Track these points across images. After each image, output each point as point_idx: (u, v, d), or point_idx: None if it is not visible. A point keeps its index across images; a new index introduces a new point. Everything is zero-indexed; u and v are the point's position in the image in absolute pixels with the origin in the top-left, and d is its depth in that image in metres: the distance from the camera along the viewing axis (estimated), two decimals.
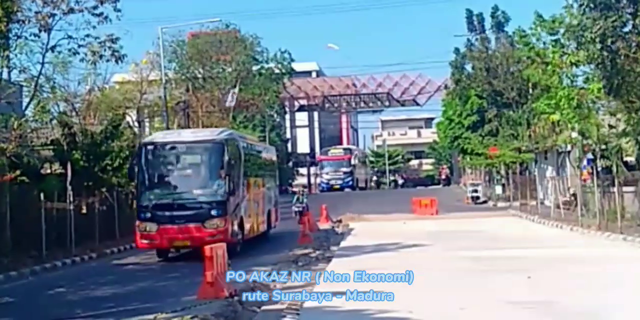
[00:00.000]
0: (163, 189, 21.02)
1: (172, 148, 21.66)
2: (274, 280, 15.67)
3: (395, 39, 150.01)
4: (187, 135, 23.23)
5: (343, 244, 23.74)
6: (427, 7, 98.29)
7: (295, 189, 35.38)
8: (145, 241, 20.90)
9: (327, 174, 61.82)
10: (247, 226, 22.58)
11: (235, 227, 21.20)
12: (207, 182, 20.91)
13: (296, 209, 33.88)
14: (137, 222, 20.91)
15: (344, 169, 61.28)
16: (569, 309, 11.41)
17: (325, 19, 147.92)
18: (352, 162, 62.02)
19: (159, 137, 23.25)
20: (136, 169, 21.25)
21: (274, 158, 30.06)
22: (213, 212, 20.49)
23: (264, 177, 26.65)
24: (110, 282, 16.64)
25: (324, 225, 30.85)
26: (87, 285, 16.24)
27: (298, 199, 34.70)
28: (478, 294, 13.01)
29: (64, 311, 12.88)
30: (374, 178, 63.03)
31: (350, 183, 60.23)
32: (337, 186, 59.39)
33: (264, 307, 12.42)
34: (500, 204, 41.40)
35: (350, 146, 72.71)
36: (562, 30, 25.57)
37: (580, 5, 22.64)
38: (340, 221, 32.90)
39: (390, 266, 17.27)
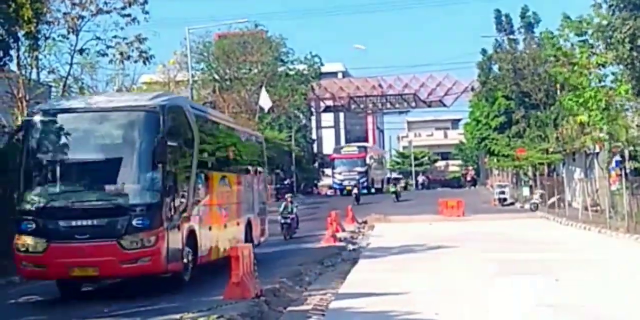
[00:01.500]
0: (57, 185, 14.12)
1: (74, 119, 14.35)
2: (300, 280, 15.72)
3: (422, 40, 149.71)
4: (103, 100, 15.39)
5: (369, 245, 23.74)
6: (454, 8, 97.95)
7: (288, 197, 29.34)
8: (27, 267, 13.89)
9: (339, 174, 56.24)
10: (203, 243, 15.74)
11: (178, 245, 14.31)
12: (129, 174, 13.88)
13: (283, 221, 27.45)
14: (16, 237, 13.88)
15: (358, 169, 55.63)
16: (596, 313, 11.32)
17: (351, 19, 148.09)
18: (367, 161, 56.91)
19: (57, 103, 15.77)
20: (18, 155, 14.42)
21: (261, 147, 22.83)
22: (137, 222, 13.50)
23: (241, 172, 19.63)
24: (137, 281, 16.72)
25: (349, 226, 30.82)
26: (114, 284, 16.34)
27: (286, 207, 27.90)
28: (505, 296, 12.94)
29: (91, 310, 12.97)
30: (354, 191, 46.26)
31: (365, 184, 54.75)
32: (350, 187, 52.32)
33: (290, 308, 12.44)
34: (527, 206, 41.10)
35: (365, 144, 66.54)
36: (590, 31, 25.38)
37: (610, 6, 22.46)
38: (365, 222, 32.86)
39: (416, 268, 17.28)
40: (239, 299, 12.69)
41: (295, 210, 28.16)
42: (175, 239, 14.22)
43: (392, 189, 47.74)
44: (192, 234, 15.08)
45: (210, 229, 16.37)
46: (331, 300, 12.84)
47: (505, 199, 42.87)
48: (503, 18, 48.26)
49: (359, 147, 60.08)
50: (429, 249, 21.21)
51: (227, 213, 17.96)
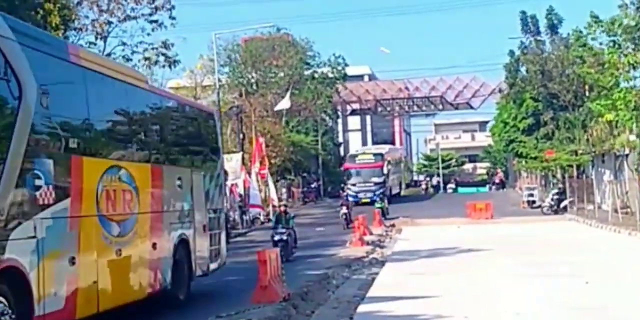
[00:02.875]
0: None
1: None
2: (328, 284, 15.69)
3: (448, 42, 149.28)
4: None
5: (397, 248, 23.66)
6: (480, 10, 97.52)
7: (282, 208, 23.13)
8: None
9: (354, 185, 49.59)
10: (51, 290, 9.12)
11: None
12: None
13: (276, 238, 21.18)
14: None
15: (375, 180, 49.45)
16: (626, 316, 11.19)
17: (377, 22, 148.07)
18: (385, 170, 50.73)
19: None
20: None
21: (211, 126, 16.32)
22: None
23: (164, 161, 13.18)
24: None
25: (377, 229, 30.74)
26: None
27: (279, 219, 22.01)
28: (534, 299, 12.84)
29: (117, 312, 13.02)
30: (343, 210, 33.36)
31: (382, 195, 46.00)
32: (367, 199, 47.22)
33: (317, 311, 12.42)
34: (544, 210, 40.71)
35: (381, 149, 57.48)
36: (619, 31, 25.21)
37: (637, 8, 22.27)
38: (393, 226, 32.74)
39: (445, 271, 17.19)
40: (266, 302, 12.70)
41: (292, 223, 22.10)
42: None
43: (377, 205, 36.81)
44: (13, 276, 8.54)
45: (73, 261, 9.67)
46: (359, 304, 12.80)
47: (534, 202, 42.55)
48: (529, 19, 47.97)
49: (375, 154, 53.00)
50: (457, 252, 21.10)
51: (126, 230, 11.33)
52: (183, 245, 13.43)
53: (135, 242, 11.60)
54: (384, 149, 57.81)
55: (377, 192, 47.01)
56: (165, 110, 13.77)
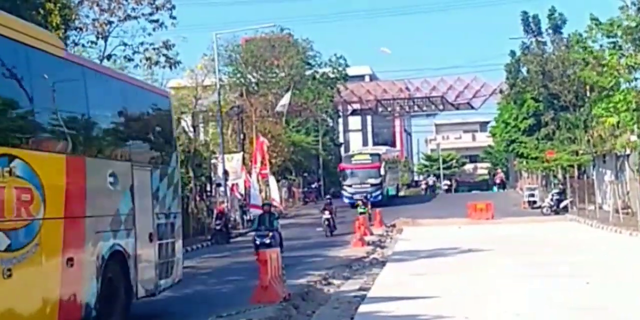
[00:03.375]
0: None
1: None
2: (328, 284, 15.69)
3: (449, 42, 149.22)
4: None
5: (397, 248, 23.65)
6: (482, 10, 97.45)
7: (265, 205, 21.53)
8: None
9: (350, 186, 47.36)
10: None
11: None
12: None
13: (258, 241, 19.67)
14: None
15: (372, 181, 47.36)
16: (626, 316, 11.18)
17: (378, 22, 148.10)
18: (382, 171, 48.66)
19: None
20: None
21: (164, 114, 13.51)
22: None
23: (87, 152, 10.38)
24: None
25: (377, 230, 30.72)
26: None
27: (262, 221, 20.38)
28: (535, 299, 12.84)
29: None
30: (325, 215, 30.21)
31: (380, 198, 46.11)
32: (361, 202, 40.98)
33: (318, 312, 12.42)
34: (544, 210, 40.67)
35: (378, 150, 55.60)
36: (619, 33, 25.20)
37: (638, 9, 22.28)
38: (394, 226, 32.72)
39: (445, 272, 17.19)
40: (266, 302, 12.69)
41: (276, 224, 20.34)
42: None
43: (360, 210, 32.90)
44: None
45: None
46: (360, 304, 12.80)
47: (535, 202, 42.53)
48: (530, 19, 47.91)
49: (372, 155, 50.92)
50: (458, 253, 21.10)
51: (22, 242, 8.50)
52: (117, 259, 10.65)
53: (36, 259, 8.60)
54: (381, 149, 56.24)
55: (374, 194, 45.52)
56: (94, 88, 10.67)
